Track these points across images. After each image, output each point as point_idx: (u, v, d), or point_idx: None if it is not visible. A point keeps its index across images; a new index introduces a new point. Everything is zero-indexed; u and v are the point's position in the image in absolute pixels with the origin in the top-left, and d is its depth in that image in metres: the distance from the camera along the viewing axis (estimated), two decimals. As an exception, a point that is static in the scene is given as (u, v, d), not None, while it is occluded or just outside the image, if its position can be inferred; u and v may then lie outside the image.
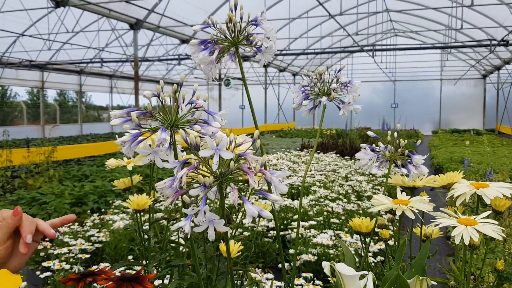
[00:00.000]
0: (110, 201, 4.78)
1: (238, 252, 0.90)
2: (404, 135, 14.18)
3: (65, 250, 2.51)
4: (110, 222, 3.48)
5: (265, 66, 18.83)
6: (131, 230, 3.53)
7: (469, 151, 8.79)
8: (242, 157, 0.53)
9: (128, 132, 0.63)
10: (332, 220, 3.63)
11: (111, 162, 0.94)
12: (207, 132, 0.55)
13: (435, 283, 0.66)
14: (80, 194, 4.94)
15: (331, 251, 2.96)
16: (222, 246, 0.89)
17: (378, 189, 5.02)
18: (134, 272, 0.84)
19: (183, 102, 0.57)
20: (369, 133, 0.89)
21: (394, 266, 0.69)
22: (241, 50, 0.79)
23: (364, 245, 0.87)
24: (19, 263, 0.72)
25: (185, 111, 0.57)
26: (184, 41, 13.07)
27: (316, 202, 4.17)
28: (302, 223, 3.38)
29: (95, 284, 0.83)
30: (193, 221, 0.53)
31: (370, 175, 5.73)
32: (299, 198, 4.46)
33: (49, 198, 4.68)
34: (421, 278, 0.66)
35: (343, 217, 3.74)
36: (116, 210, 4.06)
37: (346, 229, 3.50)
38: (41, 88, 17.12)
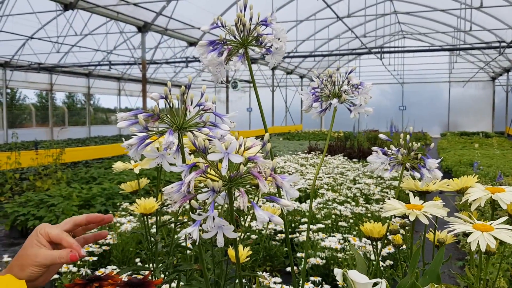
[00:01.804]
0: (118, 204, 4.78)
1: (247, 257, 0.88)
2: (412, 138, 14.03)
3: (72, 252, 2.50)
4: (118, 224, 3.47)
5: (273, 69, 18.82)
6: (135, 235, 3.53)
7: (478, 154, 8.71)
8: (252, 161, 0.51)
9: (135, 135, 0.62)
10: (340, 223, 3.60)
11: (118, 165, 0.92)
12: (216, 135, 0.54)
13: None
14: (88, 196, 4.95)
15: (339, 255, 2.93)
16: (231, 251, 0.87)
17: (387, 192, 4.98)
18: (141, 276, 0.82)
19: (191, 104, 0.56)
20: (381, 136, 0.87)
21: (408, 273, 0.67)
22: (250, 52, 0.77)
23: (375, 251, 0.85)
24: (46, 277, 0.71)
25: (194, 113, 0.55)
26: (191, 43, 13.10)
27: (324, 205, 4.14)
28: (310, 226, 3.35)
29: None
30: (201, 226, 0.51)
31: (379, 178, 5.69)
32: (306, 201, 4.44)
33: (57, 200, 4.69)
34: (435, 286, 0.64)
35: (351, 221, 3.71)
36: (123, 213, 4.06)
37: (354, 233, 3.47)
38: (50, 90, 17.24)
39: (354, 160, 7.97)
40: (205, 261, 0.91)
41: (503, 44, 11.79)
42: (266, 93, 20.34)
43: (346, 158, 8.17)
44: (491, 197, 0.77)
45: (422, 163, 0.79)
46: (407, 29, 17.97)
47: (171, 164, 0.55)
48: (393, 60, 18.58)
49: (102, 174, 6.55)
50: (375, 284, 0.62)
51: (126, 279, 0.79)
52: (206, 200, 0.53)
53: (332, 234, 3.29)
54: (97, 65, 15.21)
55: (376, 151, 0.84)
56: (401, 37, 18.89)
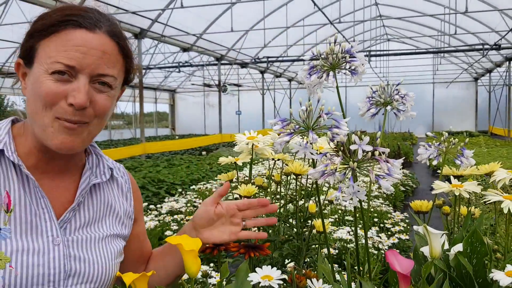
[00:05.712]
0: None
1: (332, 225, 1.14)
2: (399, 138, 14.52)
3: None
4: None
5: (262, 72, 19.10)
6: (157, 231, 3.77)
7: (466, 152, 9.07)
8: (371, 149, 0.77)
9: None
10: (346, 217, 3.89)
11: (223, 159, 1.18)
12: (341, 133, 0.80)
13: (491, 242, 0.91)
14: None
15: (350, 245, 3.21)
16: (316, 223, 1.14)
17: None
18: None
19: (323, 112, 0.82)
20: (428, 133, 1.15)
21: (462, 227, 0.94)
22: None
23: (424, 222, 1.11)
24: (220, 233, 0.98)
25: (326, 118, 0.81)
26: (185, 49, 13.29)
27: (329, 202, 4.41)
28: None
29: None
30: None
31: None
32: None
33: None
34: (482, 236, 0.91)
35: (357, 214, 3.99)
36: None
37: (360, 226, 3.75)
38: (41, 96, 17.24)
39: (348, 160, 8.27)
40: (293, 231, 1.18)
41: (486, 46, 12.26)
42: (256, 96, 20.63)
43: (340, 158, 8.47)
44: None
45: (460, 153, 1.07)
46: (392, 32, 18.43)
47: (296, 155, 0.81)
48: (379, 63, 19.03)
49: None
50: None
51: (245, 243, 1.04)
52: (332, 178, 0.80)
53: (340, 227, 3.56)
54: (89, 71, 15.26)
55: (424, 146, 1.11)
56: (386, 40, 19.36)
